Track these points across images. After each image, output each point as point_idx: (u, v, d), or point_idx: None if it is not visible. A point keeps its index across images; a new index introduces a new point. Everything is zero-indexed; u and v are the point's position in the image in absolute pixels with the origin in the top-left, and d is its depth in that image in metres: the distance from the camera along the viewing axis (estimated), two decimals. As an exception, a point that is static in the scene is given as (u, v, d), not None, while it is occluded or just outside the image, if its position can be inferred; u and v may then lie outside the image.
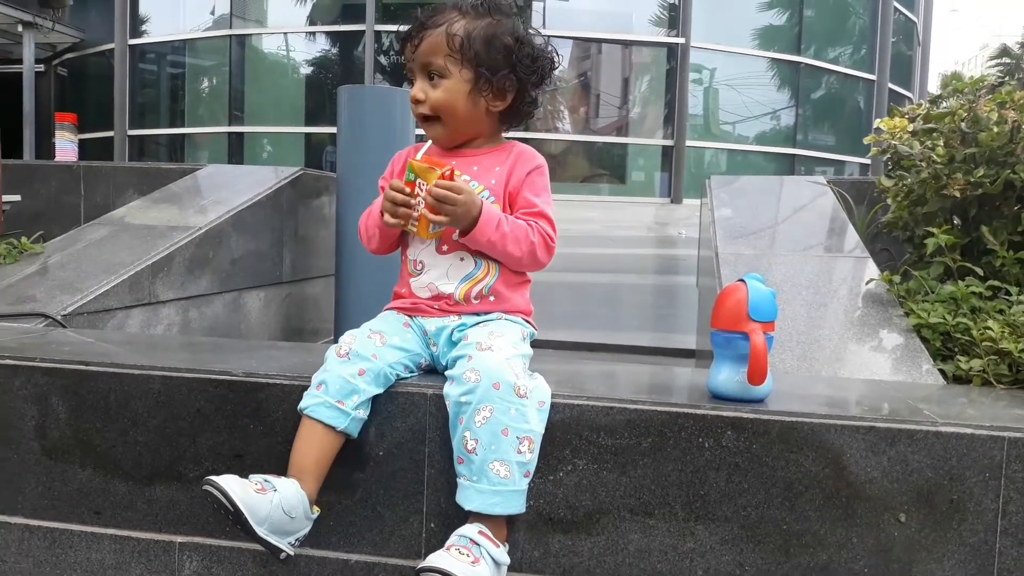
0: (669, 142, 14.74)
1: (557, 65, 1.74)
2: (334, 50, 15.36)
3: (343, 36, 14.98)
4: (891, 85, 16.76)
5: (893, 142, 2.96)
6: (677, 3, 14.64)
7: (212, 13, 15.49)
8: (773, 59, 15.55)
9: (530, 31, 1.71)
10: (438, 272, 1.66)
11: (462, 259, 1.65)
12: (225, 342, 2.93)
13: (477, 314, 1.65)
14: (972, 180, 2.67)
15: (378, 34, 14.18)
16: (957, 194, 2.67)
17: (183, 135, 15.90)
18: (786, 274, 2.87)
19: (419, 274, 1.68)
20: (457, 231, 1.59)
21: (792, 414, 1.49)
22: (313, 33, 15.31)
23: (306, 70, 15.67)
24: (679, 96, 14.59)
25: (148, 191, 4.43)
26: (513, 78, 1.66)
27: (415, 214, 1.58)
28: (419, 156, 1.65)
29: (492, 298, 1.66)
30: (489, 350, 1.48)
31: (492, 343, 1.50)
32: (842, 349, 2.35)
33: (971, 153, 2.70)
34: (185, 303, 3.54)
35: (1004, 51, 37.89)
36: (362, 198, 4.41)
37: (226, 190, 4.24)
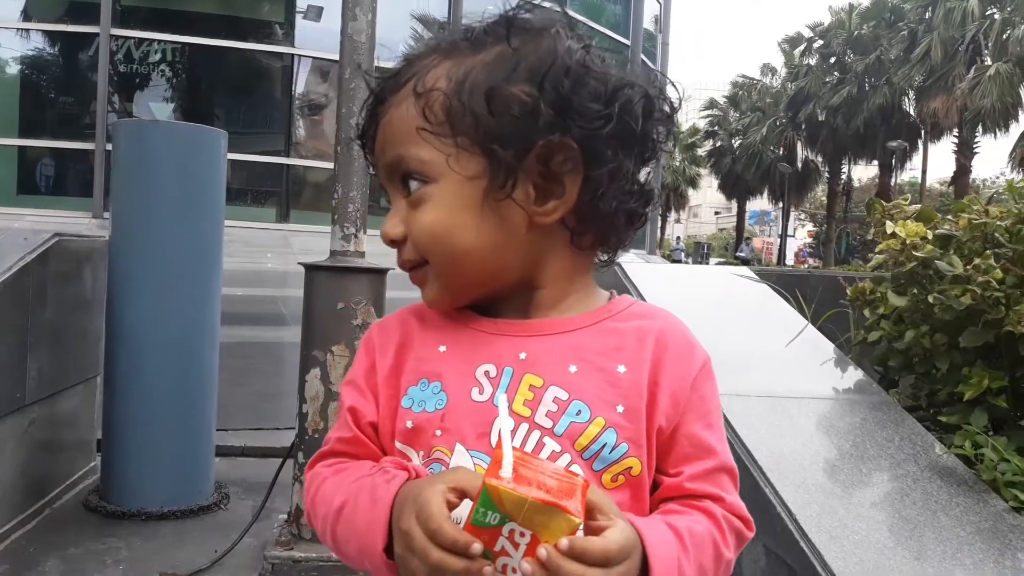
0: None
1: (675, 105, 0.87)
2: (55, 52, 12.98)
3: (69, 38, 12.68)
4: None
5: (919, 254, 2.35)
6: None
7: None
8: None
9: (590, 47, 0.84)
10: None
11: None
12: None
13: None
14: (1042, 314, 2.11)
15: (115, 38, 12.15)
16: (1027, 332, 2.10)
17: None
18: (803, 440, 2.15)
19: None
20: None
21: None
22: (28, 31, 12.83)
23: (20, 73, 13.06)
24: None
25: None
26: (570, 144, 0.80)
27: None
28: (507, 462, 0.66)
29: None
30: None
31: None
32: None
33: (1040, 280, 2.14)
34: None
35: (712, 103, 42.13)
36: (144, 268, 3.20)
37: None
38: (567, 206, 0.82)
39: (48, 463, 3.24)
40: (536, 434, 0.80)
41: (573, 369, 0.83)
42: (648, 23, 17.86)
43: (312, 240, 10.74)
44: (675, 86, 0.88)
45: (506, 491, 0.64)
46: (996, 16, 26.32)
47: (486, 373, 0.83)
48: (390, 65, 0.90)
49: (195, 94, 13.46)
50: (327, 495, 0.85)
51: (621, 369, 0.83)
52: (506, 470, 0.65)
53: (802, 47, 34.79)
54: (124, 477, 3.22)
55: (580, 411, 0.81)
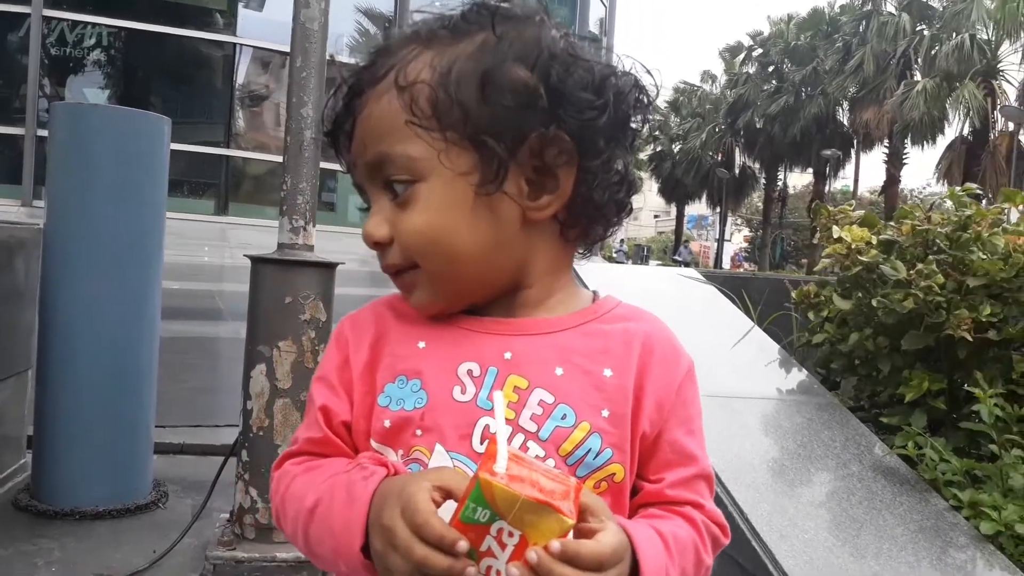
0: None
1: (653, 90, 0.85)
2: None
3: (-2, 18, 12.18)
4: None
5: (864, 259, 2.41)
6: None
7: None
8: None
9: (571, 36, 0.82)
10: None
11: None
12: None
13: None
14: (981, 319, 2.19)
15: (47, 20, 11.72)
16: (968, 336, 2.17)
17: None
18: (753, 435, 2.19)
19: None
20: None
21: None
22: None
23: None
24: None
25: None
26: (563, 136, 0.78)
27: None
28: (502, 458, 0.64)
29: None
30: None
31: None
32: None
33: (979, 285, 2.22)
34: None
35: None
36: (80, 258, 3.08)
37: None
38: (561, 200, 0.80)
39: (-27, 461, 3.10)
40: (520, 437, 0.78)
41: (559, 371, 0.80)
42: (593, 26, 18.01)
43: (251, 234, 10.53)
44: (652, 74, 0.84)
45: (499, 487, 0.61)
46: (926, 32, 27.29)
47: (469, 372, 0.80)
48: (340, 58, 0.86)
49: (132, 80, 13.07)
50: (297, 494, 0.82)
51: (607, 373, 0.82)
52: (500, 465, 0.63)
53: (742, 55, 35.53)
54: (56, 475, 3.10)
55: (565, 415, 0.79)
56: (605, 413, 0.80)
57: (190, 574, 2.63)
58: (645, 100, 0.83)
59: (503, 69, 0.76)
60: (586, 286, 0.92)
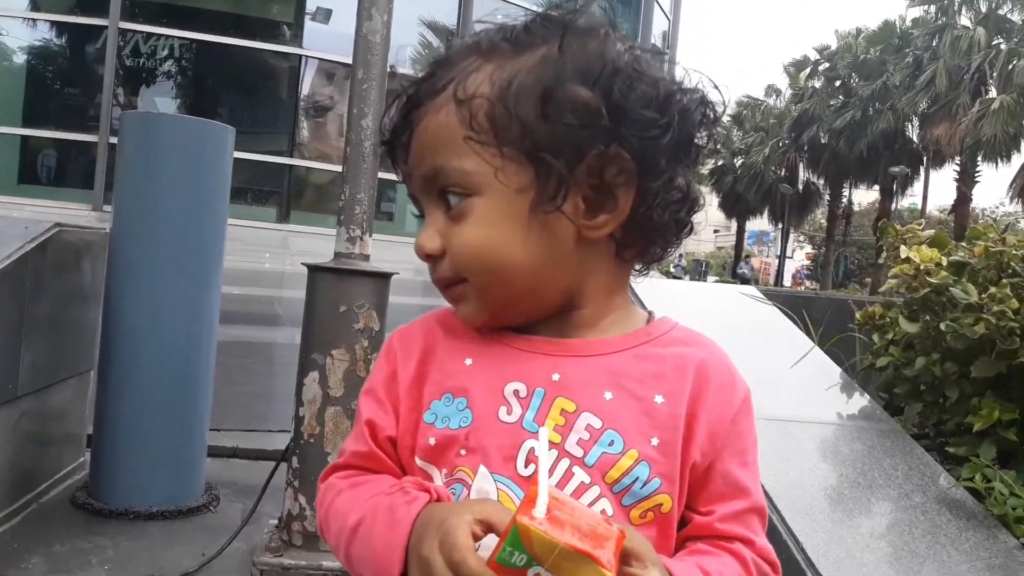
0: None
1: (720, 107, 0.81)
2: (62, 43, 12.95)
3: (77, 30, 12.66)
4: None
5: (933, 280, 2.31)
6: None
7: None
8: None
9: (636, 49, 0.79)
10: None
11: None
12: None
13: None
14: (1057, 347, 2.08)
15: (123, 32, 12.13)
16: (1042, 364, 2.06)
17: None
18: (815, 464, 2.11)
19: None
20: None
21: None
22: (35, 20, 12.81)
23: (26, 63, 13.03)
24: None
25: None
26: (624, 154, 0.75)
27: None
28: (542, 502, 0.61)
29: None
30: None
31: None
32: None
33: (1057, 312, 2.11)
34: None
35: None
36: (144, 262, 3.15)
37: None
38: (619, 220, 0.77)
39: (37, 457, 3.18)
40: (565, 462, 0.76)
41: (608, 396, 0.77)
42: (656, 39, 17.90)
43: (311, 242, 10.70)
44: (720, 90, 0.80)
45: (537, 532, 0.59)
46: (1003, 46, 26.42)
47: (515, 392, 0.78)
48: (402, 70, 0.84)
49: (201, 90, 13.44)
50: (342, 510, 0.81)
51: (658, 399, 0.78)
52: (540, 510, 0.60)
53: (807, 70, 34.88)
54: (113, 475, 3.17)
55: (613, 441, 0.76)
56: (655, 441, 0.77)
57: (238, 578, 2.65)
58: (712, 116, 0.79)
59: (564, 86, 0.74)
60: (643, 305, 0.88)
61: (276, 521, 2.83)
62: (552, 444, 0.75)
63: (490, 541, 0.64)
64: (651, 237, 0.81)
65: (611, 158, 0.74)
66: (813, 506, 1.90)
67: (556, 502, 0.62)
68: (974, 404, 2.22)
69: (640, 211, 0.78)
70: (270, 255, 11.76)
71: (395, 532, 0.73)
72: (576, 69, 0.74)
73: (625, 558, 0.64)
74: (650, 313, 0.87)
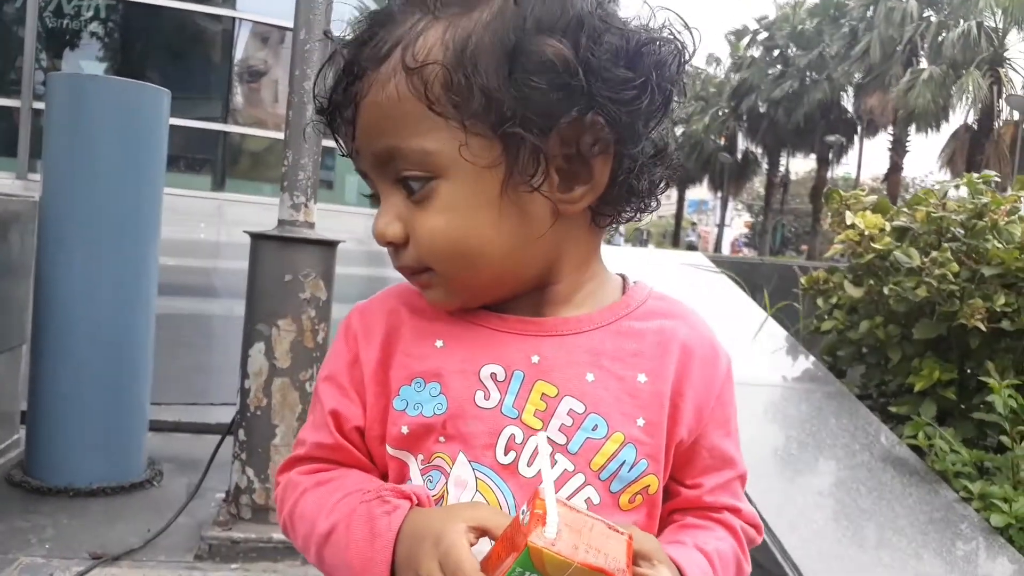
0: None
1: (687, 53, 0.72)
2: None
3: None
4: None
5: (877, 246, 2.36)
6: None
7: None
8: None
9: None
10: None
11: None
12: None
13: None
14: (995, 309, 2.15)
15: (45, -9, 11.57)
16: (981, 325, 2.13)
17: None
18: (760, 425, 2.15)
19: None
20: None
21: None
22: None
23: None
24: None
25: None
26: (599, 121, 0.67)
27: None
28: (552, 522, 0.58)
29: None
30: None
31: None
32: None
33: (994, 274, 2.17)
34: None
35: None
36: (77, 232, 3.02)
37: None
38: (597, 191, 0.71)
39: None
40: (547, 450, 0.72)
41: (590, 377, 0.73)
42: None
43: (248, 210, 10.44)
44: (691, 31, 0.71)
45: (550, 555, 0.57)
46: (933, 19, 27.08)
47: (492, 375, 0.73)
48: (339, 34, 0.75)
49: (129, 54, 12.92)
50: (308, 514, 0.75)
51: (641, 378, 0.75)
52: (550, 530, 0.58)
53: (747, 39, 35.26)
54: (51, 451, 3.06)
55: (596, 426, 0.73)
56: (640, 422, 0.74)
57: (185, 554, 2.59)
58: (675, 61, 0.71)
59: (528, 42, 0.65)
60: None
61: (223, 495, 2.77)
62: (533, 430, 0.72)
63: (483, 546, 0.62)
64: (628, 202, 0.75)
65: (587, 126, 0.67)
66: (765, 468, 1.93)
67: (565, 518, 0.59)
68: (915, 365, 2.29)
69: (619, 179, 0.71)
70: (205, 224, 11.46)
71: (376, 545, 0.68)
72: (537, 21, 0.65)
73: (635, 559, 0.62)
74: (623, 278, 0.83)
